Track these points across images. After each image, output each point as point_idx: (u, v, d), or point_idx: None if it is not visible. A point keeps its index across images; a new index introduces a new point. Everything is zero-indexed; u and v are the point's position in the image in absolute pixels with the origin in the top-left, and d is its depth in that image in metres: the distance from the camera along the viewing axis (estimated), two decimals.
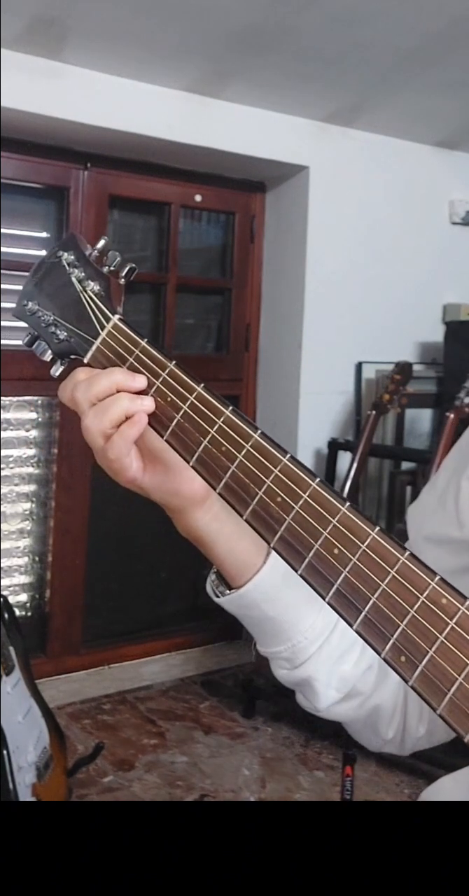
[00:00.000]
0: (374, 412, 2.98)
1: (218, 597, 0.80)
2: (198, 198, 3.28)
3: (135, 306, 3.32)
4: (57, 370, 0.80)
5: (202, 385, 0.72)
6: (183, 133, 2.86)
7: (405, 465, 3.45)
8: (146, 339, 0.75)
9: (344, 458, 3.15)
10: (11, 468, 3.08)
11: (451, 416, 2.71)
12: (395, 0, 2.27)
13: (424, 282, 3.45)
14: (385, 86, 2.84)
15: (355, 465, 2.95)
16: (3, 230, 2.82)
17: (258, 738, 2.86)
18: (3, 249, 2.81)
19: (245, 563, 0.78)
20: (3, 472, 3.04)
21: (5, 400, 3.00)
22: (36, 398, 3.06)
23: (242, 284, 3.44)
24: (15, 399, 3.02)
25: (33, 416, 3.11)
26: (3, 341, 2.80)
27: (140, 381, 0.73)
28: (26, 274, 0.82)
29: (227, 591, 0.79)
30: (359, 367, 3.33)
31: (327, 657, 0.81)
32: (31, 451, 3.13)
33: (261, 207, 3.44)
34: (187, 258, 3.38)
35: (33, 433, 3.12)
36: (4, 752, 2.04)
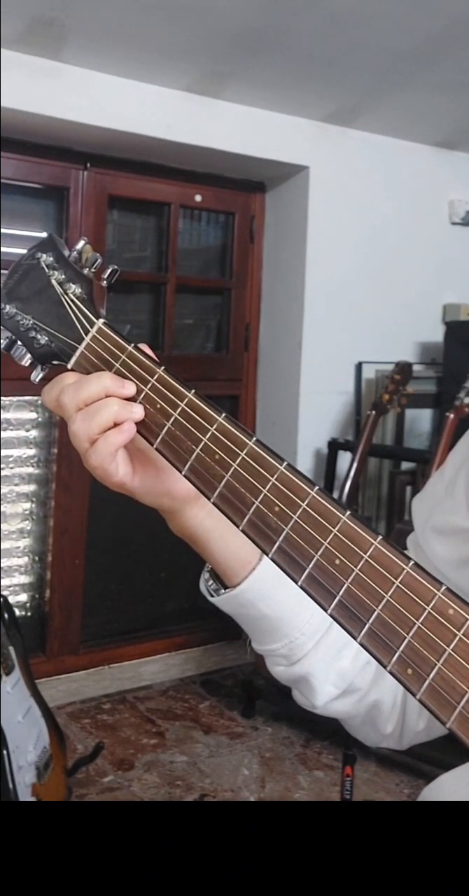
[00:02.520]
0: (373, 412, 2.98)
1: (212, 596, 0.79)
2: (197, 198, 3.29)
3: (134, 306, 3.32)
4: (37, 375, 0.78)
5: (193, 391, 0.70)
6: (183, 133, 2.86)
7: (405, 465, 3.45)
8: (133, 344, 0.73)
9: (344, 458, 3.15)
10: (11, 468, 3.08)
11: (451, 416, 2.71)
12: (394, 1, 2.27)
13: (424, 282, 3.45)
14: (385, 86, 2.84)
15: (355, 465, 2.95)
16: (3, 230, 2.82)
17: (257, 737, 2.86)
18: (3, 249, 2.81)
19: (240, 561, 0.77)
20: (3, 472, 3.04)
21: (5, 400, 3.00)
22: (36, 398, 3.06)
23: (242, 284, 3.44)
24: (15, 399, 3.02)
25: (33, 416, 3.11)
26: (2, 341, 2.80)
27: (130, 388, 0.71)
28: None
29: (222, 591, 0.79)
30: (359, 367, 3.33)
31: (325, 653, 0.80)
32: (31, 451, 3.13)
33: (261, 207, 3.44)
34: (187, 258, 3.38)
35: (33, 433, 3.12)
36: (4, 751, 2.04)
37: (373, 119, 3.15)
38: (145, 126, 2.79)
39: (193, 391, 0.70)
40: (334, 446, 3.23)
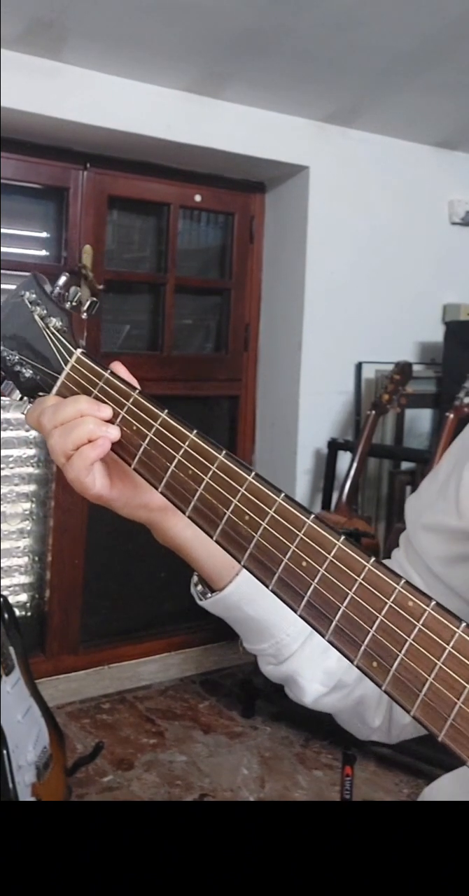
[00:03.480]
0: (373, 412, 2.98)
1: (201, 600, 0.83)
2: (197, 198, 3.28)
3: (134, 307, 3.32)
4: (25, 408, 0.82)
5: (166, 411, 0.73)
6: (182, 133, 2.86)
7: (405, 465, 3.45)
8: (109, 371, 0.77)
9: (344, 458, 3.15)
10: (11, 468, 3.08)
11: (451, 416, 2.71)
12: (394, 1, 2.27)
13: (424, 282, 3.45)
14: (385, 86, 2.84)
15: (355, 465, 2.95)
16: (3, 230, 2.82)
17: (257, 737, 2.86)
18: (3, 249, 2.81)
19: (224, 566, 0.80)
20: (3, 472, 3.04)
21: (5, 400, 2.99)
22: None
23: (242, 285, 3.44)
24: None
25: None
26: None
27: (105, 411, 0.75)
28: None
29: (209, 594, 0.82)
30: (359, 367, 3.33)
31: (310, 653, 0.82)
32: (31, 451, 3.13)
33: (260, 208, 3.44)
34: (186, 259, 3.38)
35: (33, 433, 3.12)
36: (4, 751, 2.04)
37: (373, 119, 3.15)
38: (145, 126, 2.79)
39: (166, 411, 0.73)
40: (334, 446, 3.23)
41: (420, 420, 3.57)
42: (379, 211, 3.33)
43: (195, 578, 0.84)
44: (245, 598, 0.80)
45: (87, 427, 0.73)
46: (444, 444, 2.64)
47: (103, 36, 2.44)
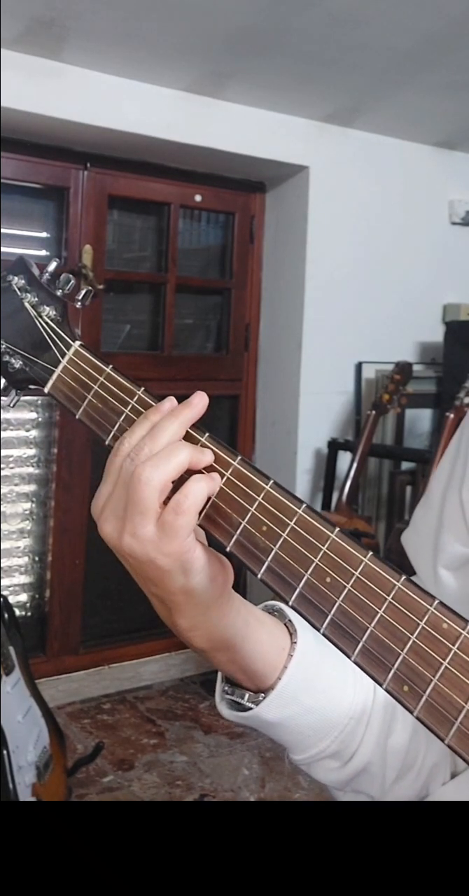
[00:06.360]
0: (374, 412, 2.98)
1: (245, 710, 0.73)
2: (197, 198, 3.29)
3: (134, 306, 3.32)
4: (12, 400, 0.76)
5: None
6: (183, 133, 2.86)
7: (405, 465, 3.45)
8: (110, 366, 0.70)
9: (344, 458, 3.15)
10: (11, 468, 3.08)
11: (451, 416, 2.71)
12: (394, 1, 2.27)
13: (424, 282, 3.45)
14: (385, 86, 2.84)
15: (355, 465, 2.95)
16: (3, 230, 2.82)
17: (257, 737, 2.86)
18: (3, 249, 2.81)
19: (275, 650, 0.71)
20: (3, 472, 3.04)
21: (5, 400, 2.99)
22: (36, 398, 3.07)
23: (242, 284, 3.44)
24: None
25: (33, 416, 3.11)
26: None
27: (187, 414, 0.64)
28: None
29: (262, 696, 0.72)
30: (359, 367, 3.33)
31: (379, 732, 0.75)
32: (31, 451, 3.13)
33: (261, 207, 3.44)
34: (187, 258, 3.38)
35: (33, 433, 3.12)
36: (4, 751, 2.04)
37: (373, 119, 3.15)
38: (145, 126, 2.79)
39: None
40: (334, 446, 3.23)
41: (420, 420, 3.57)
42: (379, 211, 3.33)
43: (226, 688, 0.73)
44: (302, 685, 0.71)
45: (184, 450, 0.62)
46: (445, 445, 2.64)
47: (103, 36, 2.44)
